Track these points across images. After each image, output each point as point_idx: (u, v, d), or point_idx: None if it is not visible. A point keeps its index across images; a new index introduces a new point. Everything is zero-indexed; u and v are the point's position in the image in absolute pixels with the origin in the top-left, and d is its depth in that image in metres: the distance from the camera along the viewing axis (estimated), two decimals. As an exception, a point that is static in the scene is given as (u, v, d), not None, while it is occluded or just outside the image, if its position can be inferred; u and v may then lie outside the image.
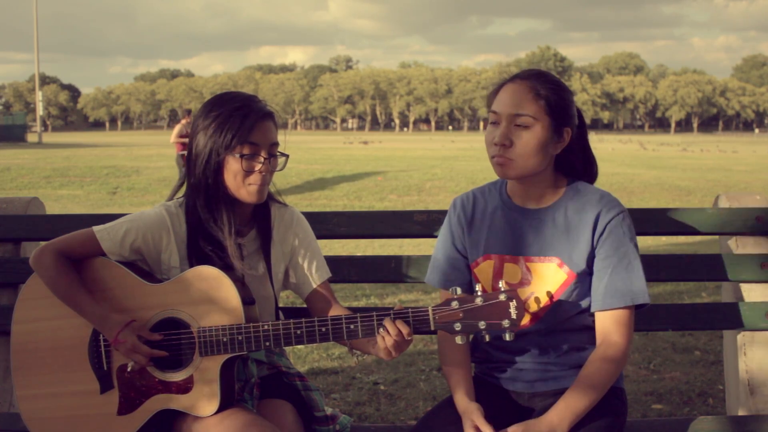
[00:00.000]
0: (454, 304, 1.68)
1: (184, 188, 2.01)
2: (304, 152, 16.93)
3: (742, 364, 2.33)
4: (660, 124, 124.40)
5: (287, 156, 1.98)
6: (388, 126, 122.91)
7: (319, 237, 2.15)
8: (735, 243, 2.36)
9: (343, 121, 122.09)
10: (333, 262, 2.13)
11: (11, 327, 1.94)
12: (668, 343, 4.49)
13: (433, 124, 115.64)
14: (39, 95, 43.79)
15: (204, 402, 1.79)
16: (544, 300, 1.86)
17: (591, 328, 1.88)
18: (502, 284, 1.68)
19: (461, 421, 1.79)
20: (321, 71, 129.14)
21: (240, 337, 1.77)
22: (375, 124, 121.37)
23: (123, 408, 1.84)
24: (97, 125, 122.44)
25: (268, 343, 1.78)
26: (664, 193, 14.37)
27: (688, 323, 2.29)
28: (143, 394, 1.83)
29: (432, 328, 1.70)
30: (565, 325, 1.88)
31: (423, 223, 2.35)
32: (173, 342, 1.82)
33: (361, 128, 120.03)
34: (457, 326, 1.68)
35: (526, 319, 1.88)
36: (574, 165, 1.94)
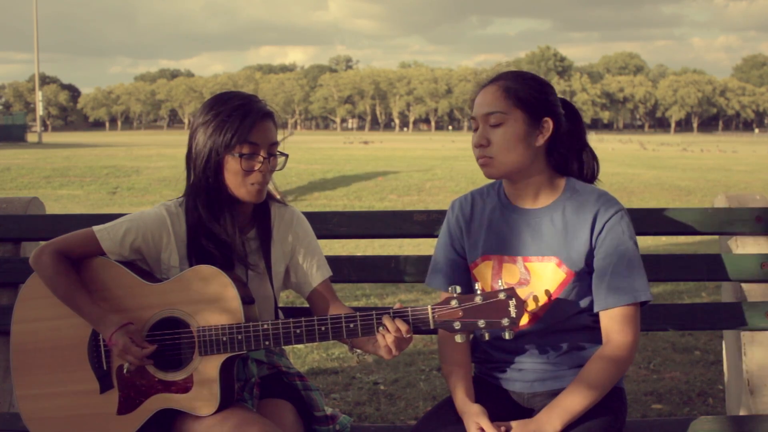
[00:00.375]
0: (454, 302, 1.68)
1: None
2: (304, 152, 16.93)
3: (742, 364, 2.33)
4: (660, 124, 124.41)
5: (287, 155, 1.99)
6: (388, 126, 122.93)
7: (319, 237, 2.15)
8: (735, 243, 2.36)
9: (343, 121, 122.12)
10: (333, 262, 2.13)
11: (11, 327, 1.94)
12: (668, 343, 4.49)
13: (433, 124, 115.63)
14: (39, 95, 43.80)
15: (204, 401, 1.79)
16: (543, 299, 1.86)
17: (591, 328, 1.88)
18: (501, 283, 1.68)
19: (461, 421, 1.80)
20: (321, 71, 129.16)
21: (239, 337, 1.77)
22: (375, 124, 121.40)
23: (123, 408, 1.84)
24: (97, 125, 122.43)
25: (267, 343, 1.78)
26: (664, 193, 14.38)
27: (688, 323, 2.29)
28: (143, 393, 1.83)
29: (431, 326, 1.70)
30: (564, 324, 1.88)
31: (423, 223, 2.35)
32: (173, 341, 1.82)
33: (361, 128, 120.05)
34: (457, 325, 1.68)
35: (525, 319, 1.88)
36: (570, 165, 1.94)
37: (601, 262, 1.84)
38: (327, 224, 2.36)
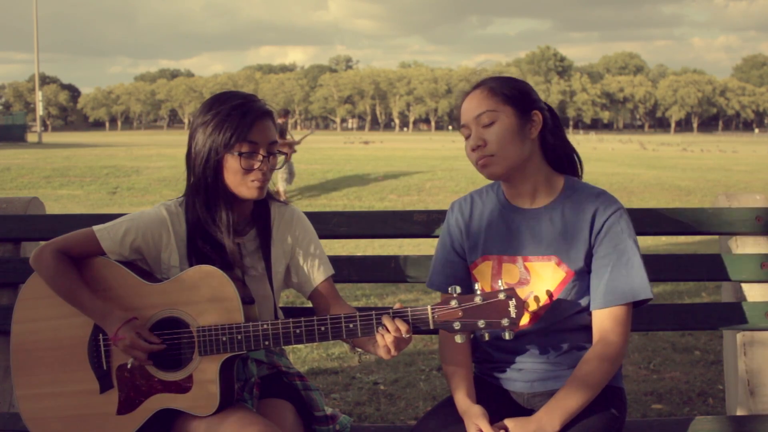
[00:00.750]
0: (453, 303, 1.68)
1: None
2: (304, 152, 16.90)
3: (742, 364, 2.33)
4: (660, 124, 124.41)
5: (286, 154, 1.98)
6: (388, 126, 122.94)
7: (319, 237, 2.15)
8: (735, 243, 2.36)
9: (343, 121, 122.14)
10: (333, 262, 2.13)
11: (11, 327, 1.94)
12: (668, 343, 4.49)
13: (433, 124, 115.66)
14: (39, 95, 43.76)
15: (203, 401, 1.79)
16: (543, 299, 1.87)
17: (590, 328, 1.89)
18: (501, 283, 1.68)
19: (461, 421, 1.80)
20: (321, 71, 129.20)
21: (239, 337, 1.77)
22: (375, 124, 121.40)
23: (123, 407, 1.84)
24: (97, 125, 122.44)
25: (267, 343, 1.78)
26: (664, 193, 14.37)
27: (688, 323, 2.29)
28: (143, 393, 1.83)
29: (431, 327, 1.70)
30: (564, 324, 1.88)
31: (423, 223, 2.35)
32: (173, 341, 1.82)
33: (361, 128, 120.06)
34: (457, 325, 1.68)
35: (525, 319, 1.88)
36: (562, 159, 1.95)
37: (600, 261, 1.84)
38: (327, 224, 2.36)
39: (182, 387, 1.81)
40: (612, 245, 1.83)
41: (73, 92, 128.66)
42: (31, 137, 39.30)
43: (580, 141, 48.37)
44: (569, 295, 1.86)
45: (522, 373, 1.91)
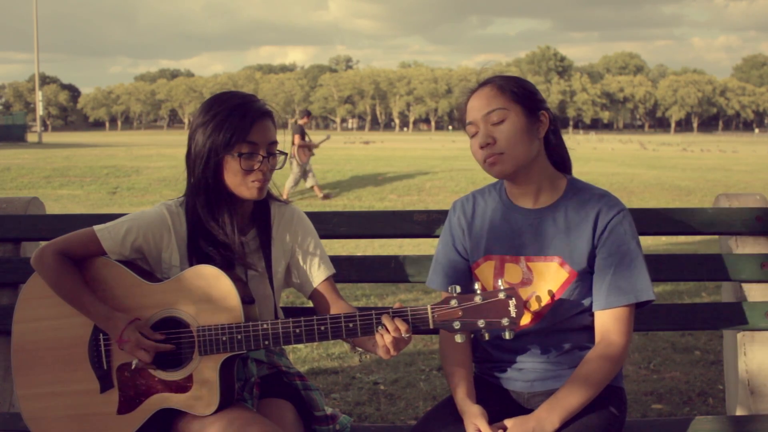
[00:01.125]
0: (453, 302, 1.68)
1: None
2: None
3: (742, 364, 2.33)
4: (660, 124, 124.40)
5: (286, 154, 1.98)
6: (388, 126, 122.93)
7: (319, 237, 2.15)
8: (735, 243, 2.36)
9: (343, 121, 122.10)
10: (333, 262, 2.13)
11: (12, 327, 1.94)
12: (668, 343, 4.49)
13: (433, 124, 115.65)
14: (39, 95, 43.75)
15: (203, 401, 1.79)
16: (546, 299, 1.87)
17: (592, 328, 1.89)
18: (501, 283, 1.68)
19: (461, 421, 1.80)
20: (321, 71, 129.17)
21: (239, 336, 1.77)
22: (375, 124, 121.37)
23: (123, 407, 1.84)
24: (97, 125, 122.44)
25: (267, 342, 1.78)
26: (664, 193, 14.37)
27: (688, 323, 2.29)
28: (143, 393, 1.83)
29: (431, 326, 1.70)
30: (566, 324, 1.88)
31: (423, 223, 2.35)
32: (173, 341, 1.82)
33: (361, 128, 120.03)
34: (456, 325, 1.68)
35: (527, 319, 1.88)
36: (564, 160, 1.96)
37: (603, 261, 1.84)
38: (327, 224, 2.36)
39: (182, 386, 1.81)
40: (615, 246, 1.83)
41: (73, 92, 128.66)
42: (31, 137, 39.30)
43: (580, 141, 48.37)
44: (572, 295, 1.86)
45: (522, 373, 1.91)
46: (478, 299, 1.66)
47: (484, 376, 1.98)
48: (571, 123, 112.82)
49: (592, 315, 1.88)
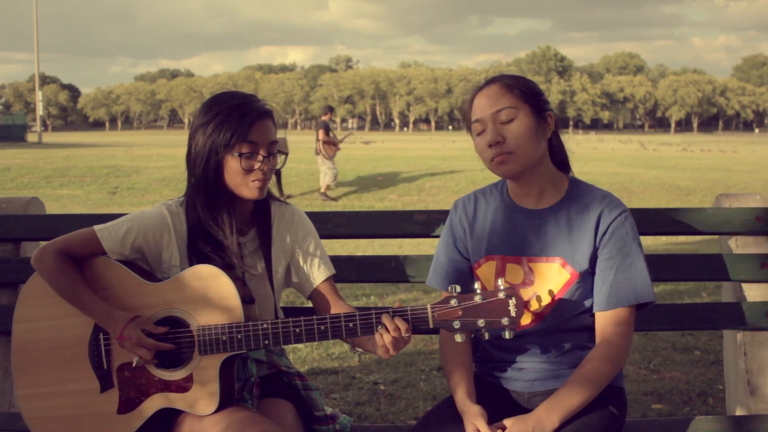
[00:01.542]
0: (453, 302, 1.68)
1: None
2: (304, 152, 16.87)
3: (742, 364, 2.33)
4: (660, 124, 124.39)
5: (286, 154, 1.99)
6: (388, 126, 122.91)
7: (319, 237, 2.15)
8: (735, 243, 2.36)
9: (343, 120, 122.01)
10: (333, 262, 2.13)
11: (12, 326, 1.94)
12: (668, 343, 4.49)
13: (433, 124, 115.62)
14: (39, 95, 43.75)
15: (203, 401, 1.79)
16: (547, 300, 1.86)
17: (593, 328, 1.89)
18: (501, 282, 1.68)
19: (461, 421, 1.80)
20: (321, 71, 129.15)
21: (239, 336, 1.77)
22: (375, 124, 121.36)
23: (123, 407, 1.84)
24: (97, 125, 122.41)
25: (267, 342, 1.78)
26: (664, 193, 14.37)
27: (688, 323, 2.29)
28: (143, 393, 1.83)
29: (431, 326, 1.70)
30: (567, 324, 1.88)
31: (423, 223, 2.35)
32: (173, 341, 1.82)
33: (361, 128, 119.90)
34: (456, 324, 1.68)
35: (528, 319, 1.88)
36: (565, 161, 1.96)
37: (604, 263, 1.84)
38: (327, 224, 2.36)
39: (182, 386, 1.81)
40: (616, 247, 1.83)
41: (73, 92, 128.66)
42: (31, 137, 39.28)
43: (580, 141, 48.35)
44: (573, 296, 1.86)
45: (522, 373, 1.91)
46: (477, 299, 1.66)
47: (484, 375, 1.98)
48: (571, 123, 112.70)
49: (593, 315, 1.88)
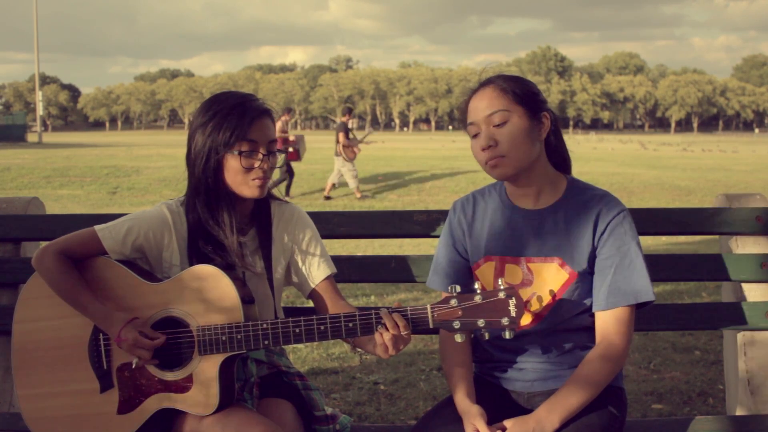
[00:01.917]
0: (453, 302, 1.68)
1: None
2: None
3: (742, 364, 2.33)
4: (660, 124, 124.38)
5: (286, 152, 1.98)
6: (388, 126, 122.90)
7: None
8: (735, 243, 2.36)
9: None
10: (333, 261, 2.14)
11: (13, 326, 1.94)
12: (668, 343, 4.49)
13: (433, 124, 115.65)
14: (39, 95, 43.78)
15: (203, 401, 1.79)
16: (546, 300, 1.87)
17: (592, 328, 1.89)
18: (501, 282, 1.68)
19: (461, 421, 1.80)
20: (321, 71, 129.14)
21: (239, 336, 1.77)
22: (375, 124, 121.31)
23: (123, 407, 1.84)
24: (97, 125, 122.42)
25: (266, 342, 1.78)
26: (664, 193, 14.37)
27: (688, 323, 2.29)
28: (143, 393, 1.83)
29: (430, 326, 1.70)
30: (566, 324, 1.88)
31: (423, 223, 2.35)
32: (173, 341, 1.82)
33: (361, 128, 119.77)
34: (456, 324, 1.67)
35: (527, 319, 1.88)
36: (564, 160, 1.96)
37: (603, 262, 1.84)
38: (327, 224, 2.36)
39: (182, 387, 1.81)
40: (615, 247, 1.83)
41: (73, 92, 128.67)
42: (32, 137, 39.29)
43: (580, 141, 48.35)
44: (572, 296, 1.86)
45: (523, 373, 1.91)
46: (477, 299, 1.66)
47: (484, 376, 1.98)
48: (571, 123, 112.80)
49: (593, 315, 1.88)
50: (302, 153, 13.66)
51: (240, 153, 1.86)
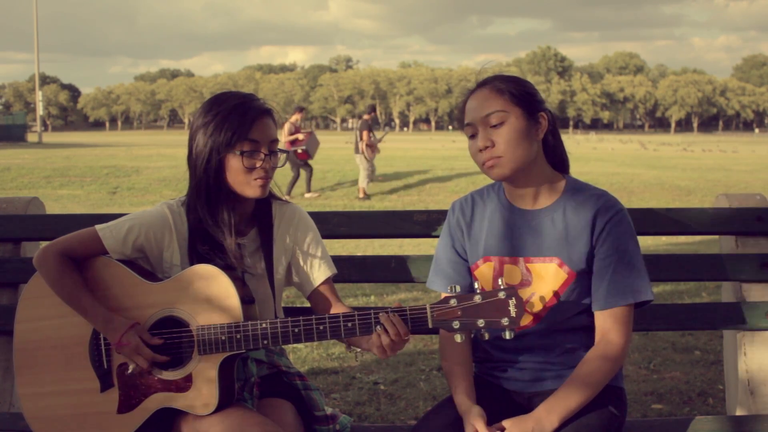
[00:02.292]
0: (453, 302, 1.68)
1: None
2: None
3: (742, 364, 2.33)
4: (660, 124, 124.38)
5: (287, 152, 1.99)
6: (388, 126, 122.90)
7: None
8: (735, 243, 2.36)
9: (343, 120, 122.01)
10: (333, 261, 2.13)
11: (14, 326, 1.95)
12: (668, 343, 4.49)
13: (433, 124, 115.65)
14: (39, 95, 43.78)
15: (203, 401, 1.79)
16: (545, 300, 1.87)
17: (591, 328, 1.89)
18: (501, 282, 1.68)
19: (461, 421, 1.80)
20: (321, 71, 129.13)
21: (238, 336, 1.77)
22: (375, 124, 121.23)
23: (123, 406, 1.84)
24: (97, 125, 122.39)
25: (266, 342, 1.78)
26: (664, 193, 14.37)
27: (688, 323, 2.29)
28: (143, 392, 1.83)
29: (430, 326, 1.70)
30: (565, 324, 1.88)
31: (423, 223, 2.35)
32: (172, 341, 1.82)
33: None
34: (456, 324, 1.67)
35: (527, 320, 1.88)
36: (563, 160, 1.96)
37: (601, 262, 1.84)
38: (327, 224, 2.36)
39: (181, 386, 1.81)
40: (613, 247, 1.83)
41: (73, 92, 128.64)
42: (32, 137, 39.29)
43: (580, 141, 48.34)
44: (571, 296, 1.86)
45: (523, 373, 1.91)
46: (477, 299, 1.66)
47: (484, 376, 1.98)
48: (571, 123, 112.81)
49: (592, 315, 1.88)
50: (314, 150, 13.65)
51: (242, 153, 1.86)
